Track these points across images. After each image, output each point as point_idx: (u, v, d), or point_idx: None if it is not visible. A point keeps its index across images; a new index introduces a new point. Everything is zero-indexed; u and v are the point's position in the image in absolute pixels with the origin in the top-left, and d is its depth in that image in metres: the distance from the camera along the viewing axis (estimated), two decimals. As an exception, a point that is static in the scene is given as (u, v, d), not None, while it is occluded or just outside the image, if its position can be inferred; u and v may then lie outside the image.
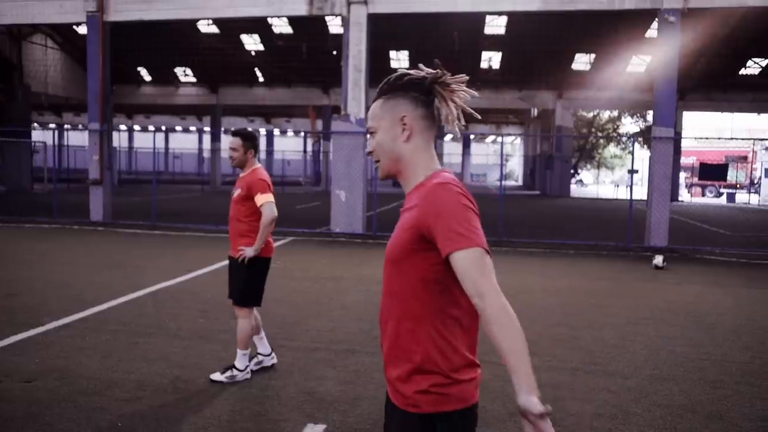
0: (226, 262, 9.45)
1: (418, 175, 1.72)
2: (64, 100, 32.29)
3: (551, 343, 5.70)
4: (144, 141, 56.31)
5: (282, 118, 48.61)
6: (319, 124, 36.50)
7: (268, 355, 4.86)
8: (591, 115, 46.39)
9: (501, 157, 14.52)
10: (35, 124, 41.81)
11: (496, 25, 25.82)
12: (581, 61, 29.48)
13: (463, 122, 1.73)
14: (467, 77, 1.72)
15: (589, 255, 11.58)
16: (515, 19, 23.62)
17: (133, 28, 15.62)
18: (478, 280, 1.50)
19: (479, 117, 1.81)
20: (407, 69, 1.76)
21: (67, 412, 3.91)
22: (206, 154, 41.96)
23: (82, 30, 19.37)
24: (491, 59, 29.45)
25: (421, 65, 1.74)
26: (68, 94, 30.86)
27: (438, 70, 1.69)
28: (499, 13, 21.70)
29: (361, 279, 8.67)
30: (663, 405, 4.28)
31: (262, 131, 53.85)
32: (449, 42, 25.65)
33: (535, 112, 37.98)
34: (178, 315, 6.41)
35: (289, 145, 54.11)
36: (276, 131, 53.37)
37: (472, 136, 54.32)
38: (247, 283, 4.56)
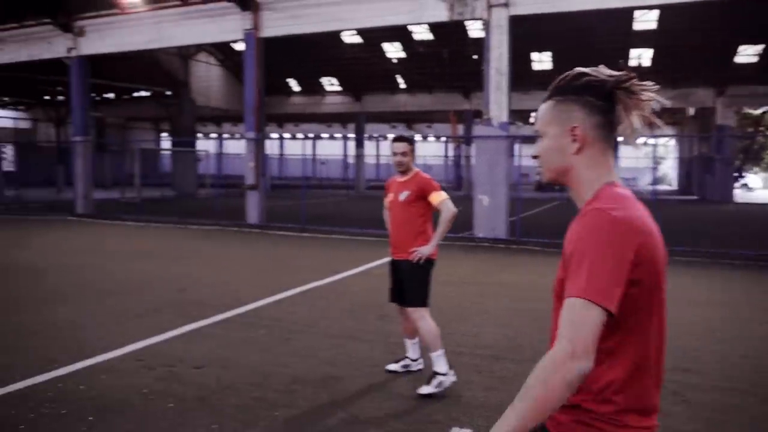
0: (373, 264, 9.81)
1: (587, 191, 1.53)
2: (224, 111, 34.98)
3: (717, 360, 5.27)
4: (293, 148, 59.49)
5: (423, 123, 49.17)
6: (461, 129, 36.49)
7: (416, 360, 4.85)
8: (759, 112, 42.27)
9: (653, 159, 13.62)
10: (199, 135, 45.53)
11: (646, 20, 24.37)
12: (746, 54, 26.95)
13: (643, 135, 1.52)
14: (658, 85, 1.51)
15: (759, 267, 10.57)
16: (669, 12, 22.14)
17: (283, 42, 16.60)
18: (565, 330, 1.32)
19: (667, 129, 1.57)
20: (586, 68, 1.55)
21: (232, 398, 4.24)
22: (351, 160, 43.40)
23: (239, 47, 20.88)
24: (641, 56, 27.82)
25: (602, 66, 1.55)
26: (227, 106, 33.41)
27: (624, 73, 1.49)
28: (650, 7, 20.45)
29: (504, 285, 8.55)
30: None
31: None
32: (594, 40, 24.59)
33: (691, 111, 35.32)
34: (327, 314, 6.70)
35: (431, 150, 54.57)
36: (417, 137, 54.12)
37: (620, 138, 51.53)
38: (423, 283, 4.54)
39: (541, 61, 28.61)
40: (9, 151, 29.07)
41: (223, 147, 56.17)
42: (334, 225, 15.36)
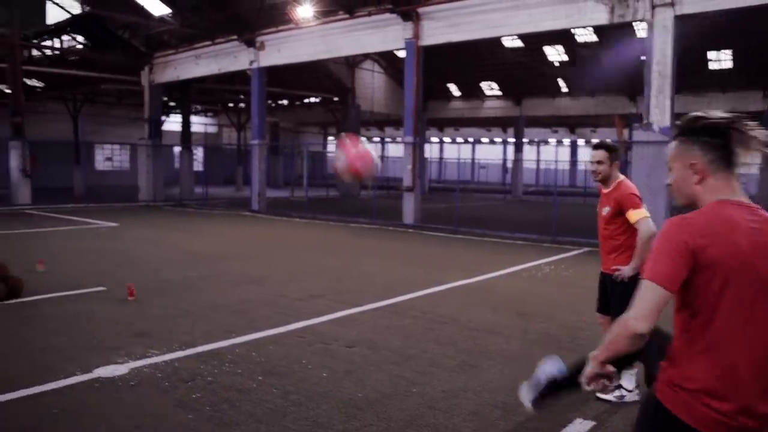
0: (520, 266, 10.01)
1: None
2: (386, 116, 36.44)
3: None
4: (453, 152, 60.24)
5: (586, 128, 47.49)
6: (627, 134, 34.84)
7: (631, 391, 4.45)
8: None
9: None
10: (363, 138, 47.74)
11: None
12: None
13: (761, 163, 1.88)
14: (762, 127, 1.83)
15: None
16: None
17: (444, 47, 17.13)
18: (635, 302, 1.83)
19: None
20: (700, 112, 1.90)
21: (375, 374, 4.80)
22: (510, 165, 43.11)
23: (401, 54, 21.81)
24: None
25: (712, 112, 1.86)
26: (389, 111, 34.82)
27: (734, 116, 1.82)
28: None
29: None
30: None
31: (566, 141, 53.28)
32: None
33: None
34: (470, 309, 7.08)
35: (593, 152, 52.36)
36: (580, 141, 52.33)
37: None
38: (627, 302, 4.41)
39: (719, 60, 26.58)
40: (199, 153, 32.72)
41: (385, 150, 58.32)
42: (486, 228, 15.62)
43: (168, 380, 4.53)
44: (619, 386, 4.44)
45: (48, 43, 24.84)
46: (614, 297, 4.46)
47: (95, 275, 8.50)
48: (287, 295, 7.59)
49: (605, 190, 4.45)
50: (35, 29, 23.57)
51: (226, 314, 6.57)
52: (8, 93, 22.41)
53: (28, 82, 24.16)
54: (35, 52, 24.94)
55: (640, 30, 23.67)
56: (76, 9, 24.18)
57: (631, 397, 4.40)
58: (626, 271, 4.26)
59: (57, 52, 25.18)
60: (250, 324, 6.16)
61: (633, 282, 4.28)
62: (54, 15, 25.50)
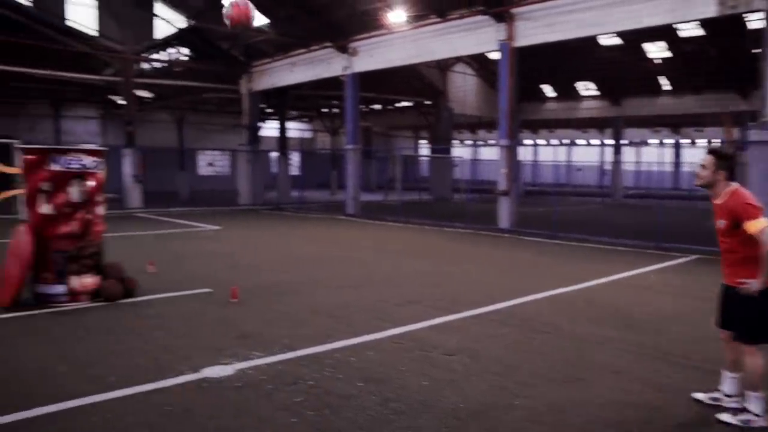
0: (623, 275, 9.58)
1: None
2: (477, 119, 36.07)
3: None
4: (548, 154, 58.91)
5: (691, 128, 44.95)
6: (737, 133, 32.64)
7: (731, 396, 4.30)
8: None
9: None
10: (455, 141, 47.46)
11: None
12: None
13: None
14: None
15: None
16: None
17: (537, 48, 16.71)
18: None
19: None
20: None
21: (476, 384, 4.68)
22: (608, 167, 41.53)
23: (493, 56, 21.50)
24: None
25: None
26: (481, 114, 34.44)
27: None
28: None
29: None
30: None
31: (668, 142, 50.68)
32: None
33: None
34: (571, 319, 6.81)
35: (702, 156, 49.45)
36: (685, 141, 49.63)
37: None
38: (753, 318, 4.08)
39: None
40: (295, 158, 33.65)
41: (477, 153, 57.75)
42: (585, 233, 15.05)
43: (271, 383, 4.62)
44: (745, 409, 4.10)
45: (156, 56, 26.32)
46: (738, 312, 4.15)
47: (201, 277, 8.86)
48: (385, 299, 7.59)
49: (717, 201, 4.18)
50: (145, 45, 25.09)
51: (325, 318, 6.65)
52: (122, 104, 23.96)
53: (139, 93, 25.68)
54: (145, 65, 26.51)
55: (752, 21, 22.16)
56: (182, 23, 25.51)
57: (758, 423, 4.02)
58: (754, 285, 3.96)
59: (164, 65, 26.63)
60: (348, 328, 6.21)
61: (760, 296, 3.99)
62: (161, 30, 27.09)
